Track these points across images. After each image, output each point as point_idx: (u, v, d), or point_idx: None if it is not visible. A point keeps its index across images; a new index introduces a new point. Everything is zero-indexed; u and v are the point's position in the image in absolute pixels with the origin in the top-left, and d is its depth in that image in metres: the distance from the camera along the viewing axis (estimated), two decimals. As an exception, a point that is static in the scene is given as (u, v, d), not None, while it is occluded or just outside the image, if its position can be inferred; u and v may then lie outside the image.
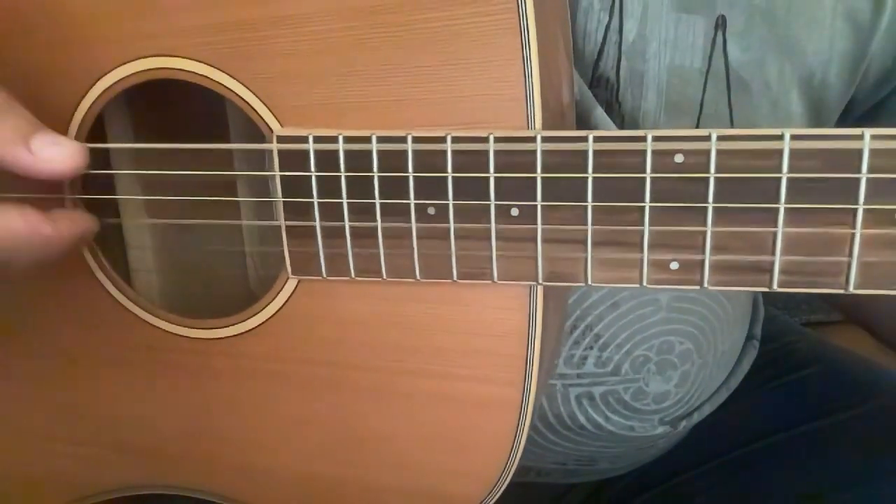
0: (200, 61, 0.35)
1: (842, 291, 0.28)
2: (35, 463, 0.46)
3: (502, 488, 0.37)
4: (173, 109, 0.41)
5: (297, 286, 0.37)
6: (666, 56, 0.42)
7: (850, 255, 0.28)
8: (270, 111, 0.34)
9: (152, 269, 0.46)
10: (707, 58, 0.42)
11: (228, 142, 0.43)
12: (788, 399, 0.55)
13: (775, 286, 0.29)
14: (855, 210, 0.27)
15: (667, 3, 0.42)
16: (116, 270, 0.40)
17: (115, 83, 0.36)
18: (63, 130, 0.38)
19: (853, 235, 0.27)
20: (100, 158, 0.40)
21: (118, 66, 0.36)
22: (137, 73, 0.36)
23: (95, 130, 0.38)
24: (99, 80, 0.36)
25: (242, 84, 0.34)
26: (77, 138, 0.37)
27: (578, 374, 0.48)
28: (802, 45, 0.42)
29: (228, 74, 0.34)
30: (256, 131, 0.35)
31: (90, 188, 0.39)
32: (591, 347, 0.47)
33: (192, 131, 0.37)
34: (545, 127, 0.31)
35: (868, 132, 0.26)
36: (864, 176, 0.26)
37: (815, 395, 0.53)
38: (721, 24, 0.42)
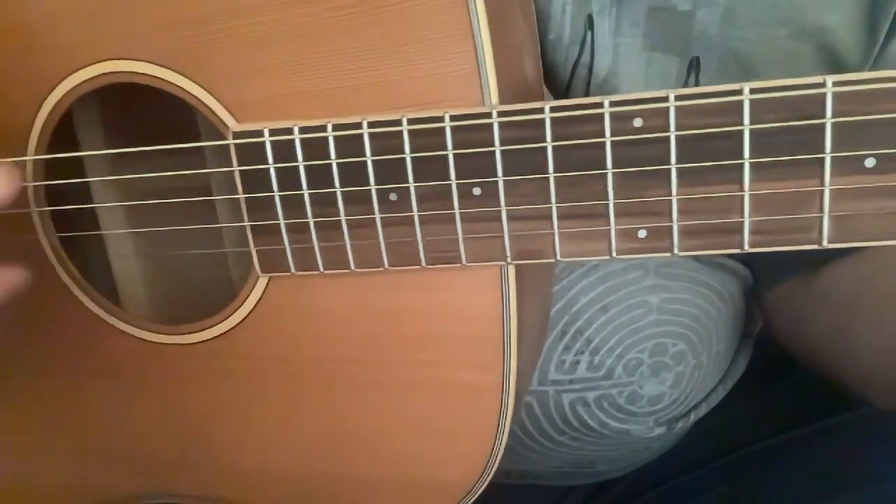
0: (152, 62, 0.34)
1: (816, 247, 0.27)
2: (29, 478, 0.46)
3: (491, 473, 0.36)
4: (147, 111, 0.41)
5: (268, 284, 0.36)
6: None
7: (821, 208, 0.27)
8: (225, 108, 0.33)
9: (137, 276, 0.46)
10: None
11: (201, 141, 0.43)
12: (789, 399, 0.54)
13: (747, 247, 0.28)
14: (822, 160, 0.26)
15: (639, 42, 0.41)
16: (100, 277, 0.40)
17: (70, 90, 0.36)
18: (24, 141, 0.37)
19: (822, 187, 0.26)
20: (75, 168, 0.40)
21: (72, 73, 0.35)
22: (91, 78, 0.35)
23: (68, 136, 0.38)
24: (55, 88, 0.36)
25: (195, 83, 0.34)
26: (38, 148, 0.37)
27: (571, 380, 0.47)
28: None
29: (181, 74, 0.34)
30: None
31: (66, 199, 0.39)
32: (583, 352, 0.47)
33: (166, 132, 0.37)
34: (506, 102, 0.30)
35: (830, 78, 0.25)
36: (828, 121, 0.25)
37: (815, 395, 0.51)
38: (695, 65, 0.41)
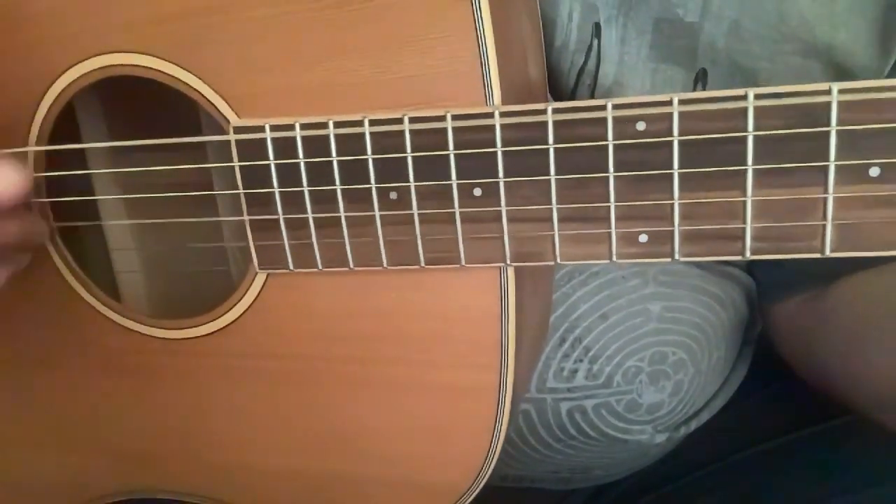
0: (153, 55, 0.34)
1: (818, 255, 0.27)
2: (20, 472, 0.46)
3: (486, 476, 0.36)
4: (149, 105, 0.41)
5: (266, 280, 0.36)
6: None
7: (825, 216, 0.26)
8: (226, 102, 0.33)
9: (137, 270, 0.46)
10: None
11: (203, 135, 0.42)
12: (789, 402, 0.53)
13: (748, 254, 0.28)
14: (826, 168, 0.26)
15: (645, 53, 0.40)
16: (102, 274, 0.40)
17: (72, 83, 0.36)
18: (24, 135, 0.37)
19: (826, 195, 0.26)
20: (76, 160, 0.40)
21: (73, 66, 0.35)
22: (93, 71, 0.35)
23: (69, 129, 0.38)
24: (55, 81, 0.36)
25: (196, 76, 0.33)
26: (39, 141, 0.37)
27: (569, 388, 0.47)
28: None
29: (181, 67, 0.34)
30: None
31: (68, 191, 0.38)
32: (581, 360, 0.46)
33: (168, 125, 0.36)
34: (508, 103, 0.30)
35: (835, 86, 0.25)
36: (833, 129, 0.25)
37: (813, 399, 0.51)
38: (701, 77, 0.40)
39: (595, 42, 0.40)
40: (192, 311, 0.38)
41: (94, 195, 0.43)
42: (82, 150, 0.42)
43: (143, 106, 0.42)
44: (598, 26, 0.40)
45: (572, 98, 0.42)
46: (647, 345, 0.46)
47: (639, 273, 0.46)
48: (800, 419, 0.51)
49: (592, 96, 0.41)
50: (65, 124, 0.37)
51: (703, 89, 0.41)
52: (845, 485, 0.45)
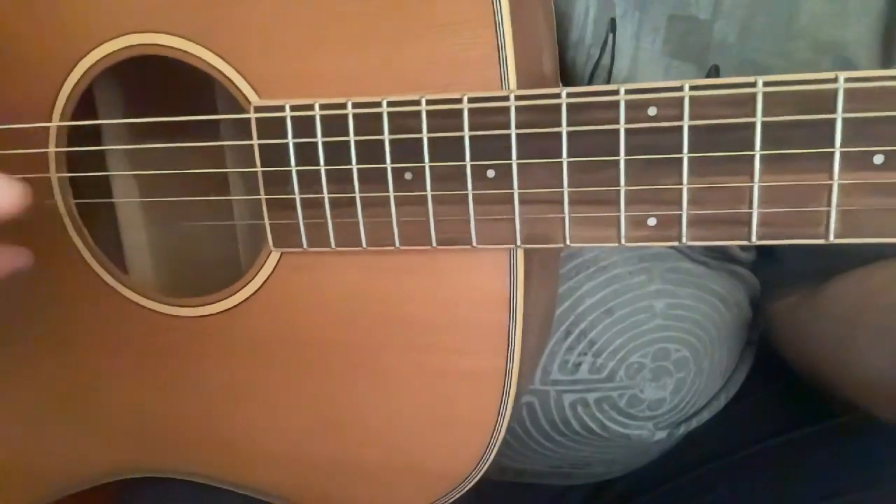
0: (178, 35, 0.35)
1: (823, 241, 0.28)
2: (26, 447, 0.46)
3: (487, 463, 0.36)
4: (165, 84, 0.42)
5: (279, 260, 0.36)
6: None
7: (829, 203, 0.27)
8: (248, 83, 0.34)
9: (146, 247, 0.46)
10: None
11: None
12: (789, 401, 0.54)
13: (754, 238, 0.28)
14: (832, 154, 0.26)
15: (658, 48, 0.41)
16: (110, 249, 0.40)
17: (97, 62, 0.36)
18: (48, 112, 0.38)
19: (831, 182, 0.27)
20: (90, 137, 0.41)
21: (99, 45, 0.36)
22: (118, 50, 0.36)
23: (85, 107, 0.39)
24: (81, 59, 0.37)
25: (220, 56, 0.34)
26: (62, 119, 0.38)
27: (572, 381, 0.47)
28: None
29: (206, 47, 0.35)
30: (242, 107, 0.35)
31: (81, 166, 0.39)
32: (586, 353, 0.47)
33: (183, 106, 0.37)
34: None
35: (842, 75, 0.26)
36: (839, 116, 0.26)
37: (816, 397, 0.52)
38: (713, 73, 0.41)
39: (610, 37, 0.41)
40: (199, 292, 0.39)
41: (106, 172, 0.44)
42: (98, 130, 0.43)
43: (158, 89, 0.42)
44: (613, 22, 0.41)
45: None
46: (650, 341, 0.46)
47: (645, 270, 0.46)
48: (799, 419, 0.52)
49: None
50: (81, 108, 0.38)
51: None
52: (844, 485, 0.46)
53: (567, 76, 0.43)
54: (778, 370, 0.52)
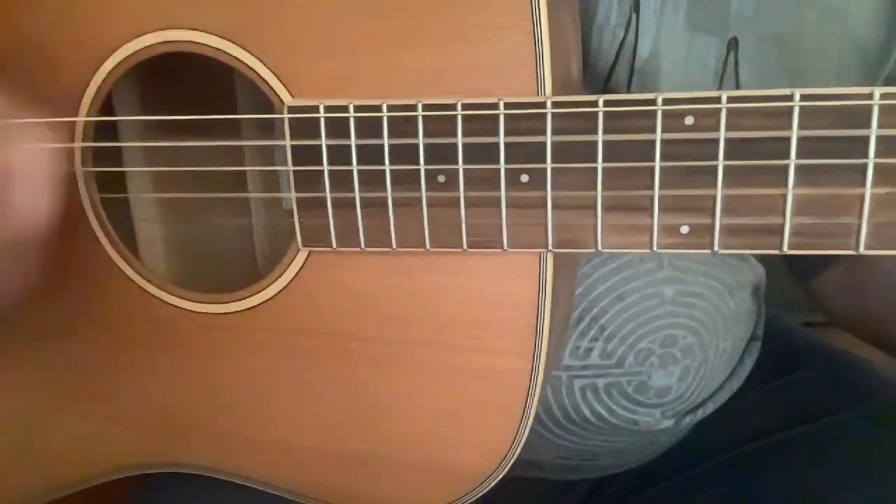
0: (214, 34, 0.35)
1: (852, 252, 0.28)
2: (43, 441, 0.46)
3: (510, 462, 0.37)
4: (181, 83, 0.42)
5: (307, 258, 0.37)
6: (678, 75, 0.42)
7: (860, 215, 0.28)
8: (282, 83, 0.34)
9: (160, 243, 0.46)
10: (718, 79, 0.42)
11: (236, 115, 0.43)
12: (788, 399, 0.55)
13: (786, 248, 0.29)
14: (865, 167, 0.27)
15: (681, 22, 0.42)
16: (123, 243, 0.40)
17: (129, 56, 0.36)
18: (76, 105, 0.38)
19: (863, 194, 0.27)
20: (108, 132, 0.41)
21: (132, 40, 0.36)
22: (152, 45, 0.36)
23: (106, 111, 0.39)
24: (113, 52, 0.37)
25: (255, 56, 0.35)
26: (90, 112, 0.38)
27: (583, 366, 0.48)
28: (811, 73, 0.42)
29: (241, 47, 0.35)
30: (264, 105, 0.35)
31: (99, 162, 0.39)
32: (597, 339, 0.47)
33: (200, 105, 0.37)
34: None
35: (878, 90, 0.27)
36: (873, 132, 0.27)
37: (815, 395, 0.52)
38: (734, 45, 0.42)
39: (634, 16, 0.41)
40: (210, 287, 0.39)
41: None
42: (115, 127, 0.43)
43: (176, 85, 0.43)
44: (637, 1, 0.41)
45: (612, 72, 0.43)
46: (659, 327, 0.47)
47: (654, 257, 0.47)
48: (796, 417, 0.52)
49: (631, 69, 0.43)
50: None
51: (736, 58, 0.42)
52: (843, 482, 0.46)
53: (592, 58, 0.43)
54: (779, 369, 0.53)
